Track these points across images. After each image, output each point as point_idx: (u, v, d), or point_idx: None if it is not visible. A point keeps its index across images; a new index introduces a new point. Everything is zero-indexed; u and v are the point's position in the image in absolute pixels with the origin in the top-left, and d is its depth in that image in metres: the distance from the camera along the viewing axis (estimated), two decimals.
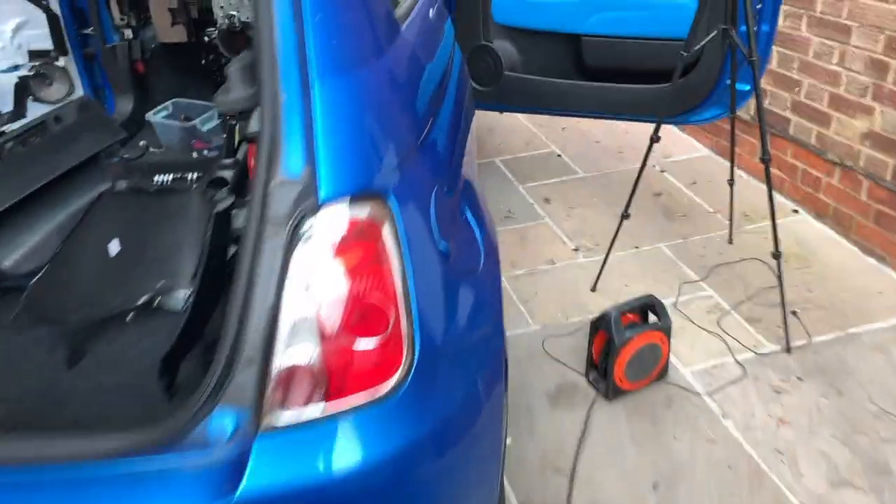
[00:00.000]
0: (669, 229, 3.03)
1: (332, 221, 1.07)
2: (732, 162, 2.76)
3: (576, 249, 2.92)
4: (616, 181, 3.42)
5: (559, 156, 3.74)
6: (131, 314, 1.57)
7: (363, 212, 1.09)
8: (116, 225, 1.63)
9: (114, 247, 1.58)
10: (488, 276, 1.33)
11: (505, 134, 4.01)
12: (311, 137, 1.08)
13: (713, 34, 2.23)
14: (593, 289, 2.65)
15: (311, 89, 1.10)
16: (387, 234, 1.10)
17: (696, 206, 3.21)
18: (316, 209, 1.05)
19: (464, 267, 1.25)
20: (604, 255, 2.63)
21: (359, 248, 1.08)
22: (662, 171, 3.48)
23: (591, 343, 2.21)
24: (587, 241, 2.97)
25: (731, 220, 2.90)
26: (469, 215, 1.38)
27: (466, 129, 1.73)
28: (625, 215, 2.52)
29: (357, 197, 1.09)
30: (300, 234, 1.05)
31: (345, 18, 1.18)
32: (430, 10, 1.79)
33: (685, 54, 2.25)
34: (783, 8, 2.92)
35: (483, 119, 4.08)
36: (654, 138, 2.38)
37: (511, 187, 3.45)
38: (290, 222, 1.05)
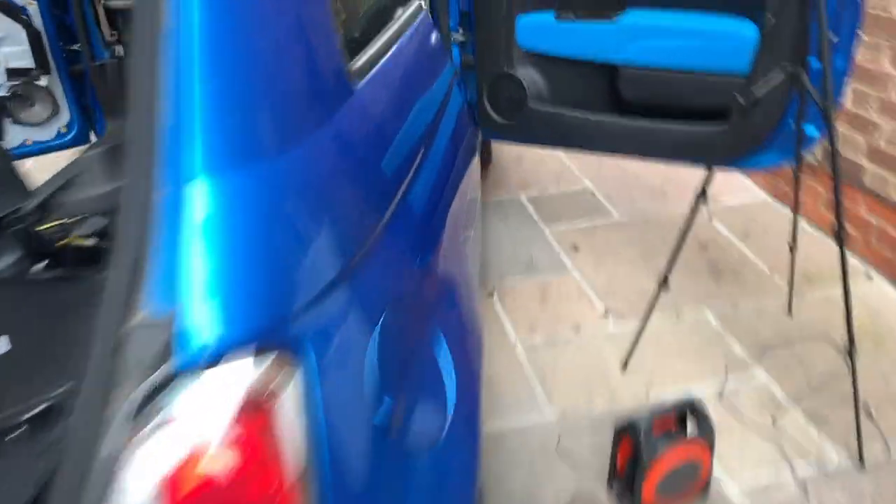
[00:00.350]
0: (717, 292, 2.60)
1: (207, 392, 0.72)
2: (795, 223, 2.31)
3: (605, 313, 2.51)
4: (656, 227, 3.00)
5: (593, 194, 3.33)
6: (22, 428, 1.23)
7: (255, 375, 0.73)
8: (2, 318, 1.29)
9: (0, 346, 1.25)
10: (459, 442, 0.95)
11: (533, 165, 3.62)
12: (192, 259, 0.74)
13: (778, 79, 1.81)
14: (624, 366, 2.24)
15: (196, 187, 0.75)
16: (287, 409, 0.75)
17: (749, 263, 2.76)
18: (184, 372, 0.71)
19: (416, 436, 0.87)
20: (637, 322, 2.22)
21: (242, 435, 0.72)
22: (711, 219, 3.04)
23: (615, 448, 1.81)
24: (619, 302, 2.56)
25: (790, 287, 2.45)
26: (442, 343, 1.00)
27: (450, 199, 1.35)
28: (663, 285, 2.10)
29: (250, 351, 0.74)
30: (156, 411, 0.70)
31: (256, 84, 0.81)
32: (418, 50, 1.42)
33: (742, 101, 1.84)
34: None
35: (510, 147, 3.69)
36: (701, 194, 1.97)
37: (535, 230, 3.05)
38: (141, 391, 0.70)
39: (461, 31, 2.64)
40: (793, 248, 2.34)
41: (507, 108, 2.65)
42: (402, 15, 1.40)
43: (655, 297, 2.13)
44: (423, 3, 2.00)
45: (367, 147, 1.02)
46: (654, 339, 2.31)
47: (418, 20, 1.47)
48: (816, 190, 2.89)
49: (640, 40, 2.30)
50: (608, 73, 2.44)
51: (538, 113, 2.59)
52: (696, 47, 2.22)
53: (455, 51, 2.68)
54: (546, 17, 2.44)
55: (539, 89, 2.61)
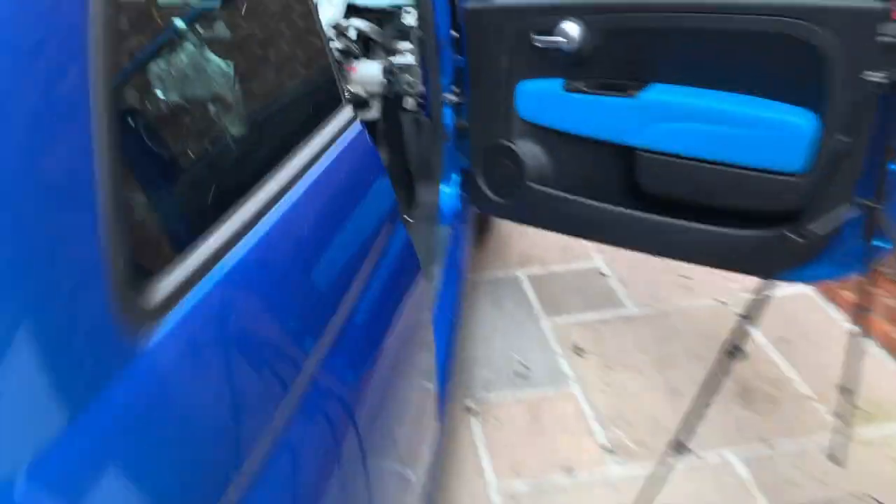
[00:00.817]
0: (746, 423, 2.13)
1: None
2: (855, 358, 1.83)
3: (609, 450, 2.05)
4: (678, 327, 2.53)
5: (604, 275, 2.87)
6: None
7: None
8: None
9: None
10: None
11: (538, 234, 3.15)
12: None
13: (846, 214, 1.36)
14: None
15: None
16: None
17: (788, 383, 2.29)
18: None
19: None
20: (645, 464, 1.78)
21: None
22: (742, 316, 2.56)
23: None
24: (626, 434, 2.10)
25: (843, 431, 1.97)
26: None
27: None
28: (679, 447, 1.65)
29: None
30: None
31: None
32: (329, 204, 0.98)
33: (797, 238, 1.39)
34: None
35: None
36: (734, 352, 1.51)
37: (532, 322, 2.61)
38: None
39: (455, 89, 2.23)
40: (851, 400, 1.85)
41: (502, 185, 2.23)
42: (304, 151, 0.95)
43: (667, 460, 1.68)
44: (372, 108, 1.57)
45: (182, 427, 0.59)
46: (665, 493, 1.85)
47: (338, 150, 1.03)
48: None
49: (664, 122, 1.85)
50: (624, 155, 1.99)
51: (539, 194, 2.16)
52: (735, 136, 1.76)
53: (448, 112, 2.26)
54: (552, 86, 2.00)
55: (541, 167, 2.17)
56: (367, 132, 1.15)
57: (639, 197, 2.01)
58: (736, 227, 1.83)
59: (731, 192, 1.83)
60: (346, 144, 1.09)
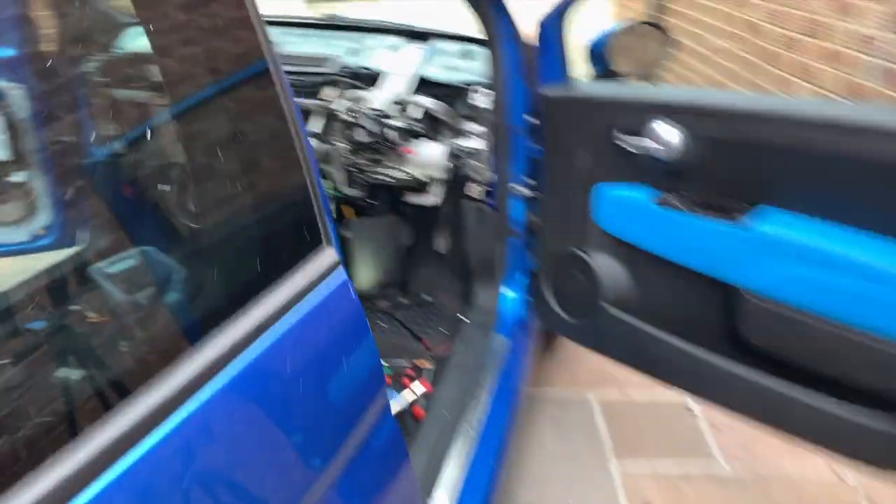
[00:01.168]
0: None
1: None
2: None
3: None
4: (778, 499, 2.02)
5: (693, 413, 2.39)
6: None
7: None
8: None
9: None
10: None
11: None
12: None
13: None
14: None
15: None
16: None
17: None
18: None
19: None
20: None
21: None
22: (854, 486, 2.02)
23: None
24: None
25: None
26: None
27: None
28: None
29: None
30: None
31: None
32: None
33: None
34: None
35: None
36: None
37: (599, 463, 2.16)
38: None
39: (528, 181, 1.90)
40: None
41: (572, 301, 1.86)
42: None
43: None
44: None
45: None
46: None
47: (307, 308, 0.71)
48: None
49: (780, 261, 1.42)
50: (725, 292, 1.57)
51: (614, 319, 1.77)
52: (873, 294, 1.31)
53: (516, 205, 1.93)
54: (639, 195, 1.62)
55: (619, 287, 1.78)
56: (350, 284, 0.83)
57: (741, 346, 1.58)
58: (874, 410, 1.37)
59: (865, 366, 1.37)
60: (320, 299, 0.77)
